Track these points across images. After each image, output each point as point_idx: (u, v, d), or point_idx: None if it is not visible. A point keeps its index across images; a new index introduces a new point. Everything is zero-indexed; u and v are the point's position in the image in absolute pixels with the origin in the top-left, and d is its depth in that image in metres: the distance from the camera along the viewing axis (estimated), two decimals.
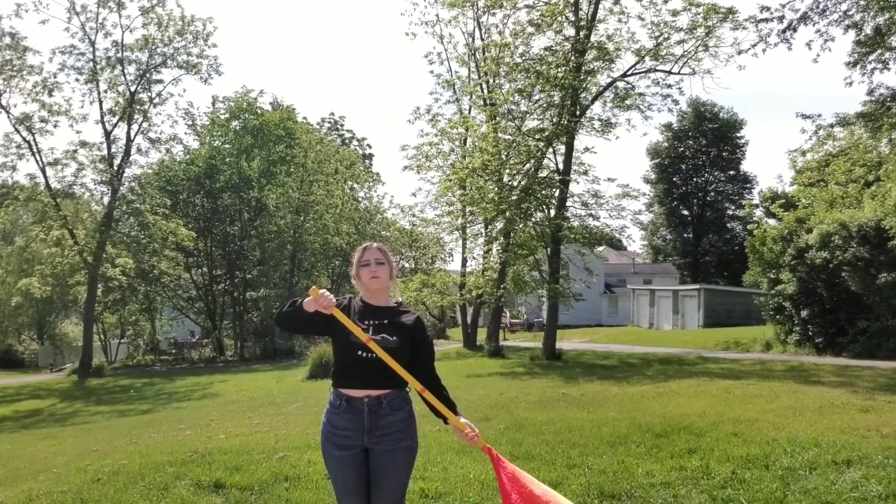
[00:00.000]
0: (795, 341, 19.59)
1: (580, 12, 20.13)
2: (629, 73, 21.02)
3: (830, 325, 18.65)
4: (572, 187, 21.10)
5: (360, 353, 3.04)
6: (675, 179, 52.48)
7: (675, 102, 21.79)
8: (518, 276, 22.14)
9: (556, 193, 21.02)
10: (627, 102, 21.10)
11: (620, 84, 21.23)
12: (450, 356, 23.88)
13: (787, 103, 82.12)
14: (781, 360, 16.97)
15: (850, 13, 15.50)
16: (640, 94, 21.19)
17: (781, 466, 5.44)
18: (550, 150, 21.11)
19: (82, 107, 32.12)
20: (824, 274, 18.50)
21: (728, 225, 53.01)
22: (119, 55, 27.39)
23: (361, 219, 37.65)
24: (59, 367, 32.37)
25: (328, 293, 3.02)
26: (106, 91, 27.53)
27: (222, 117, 35.28)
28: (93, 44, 27.07)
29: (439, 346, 29.14)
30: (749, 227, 22.39)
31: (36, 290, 28.01)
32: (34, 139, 26.37)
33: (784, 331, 20.40)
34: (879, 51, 15.61)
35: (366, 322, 3.12)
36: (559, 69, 20.01)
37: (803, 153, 22.28)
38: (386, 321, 3.12)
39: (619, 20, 20.37)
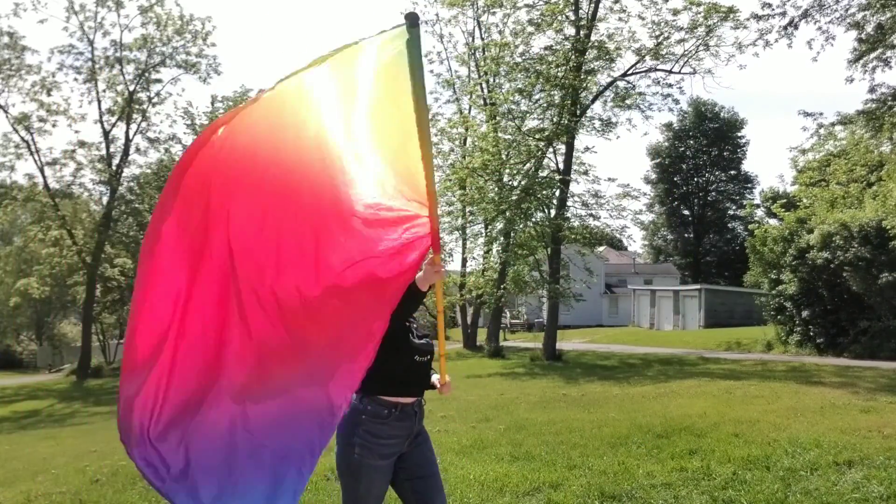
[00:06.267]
0: (796, 342, 19.56)
1: (580, 11, 20.11)
2: (629, 72, 21.02)
3: (831, 325, 18.62)
4: (572, 187, 21.11)
5: (416, 357, 2.93)
6: (675, 179, 52.34)
7: (676, 102, 21.88)
8: (518, 276, 22.10)
9: (557, 193, 20.99)
10: (628, 102, 21.10)
11: (621, 83, 21.24)
12: (450, 357, 23.83)
13: (788, 103, 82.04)
14: (782, 361, 16.93)
15: (851, 12, 15.45)
16: (641, 94, 21.24)
17: (783, 467, 5.42)
18: (551, 149, 21.08)
19: (81, 106, 32.05)
20: (825, 274, 18.46)
21: (729, 225, 52.90)
22: (118, 54, 27.37)
23: None
24: (57, 368, 32.34)
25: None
26: (104, 90, 27.51)
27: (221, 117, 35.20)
28: (91, 43, 27.07)
29: None
30: (750, 227, 22.34)
31: (34, 290, 28.00)
32: (33, 139, 26.40)
33: (785, 331, 20.35)
34: (880, 49, 15.55)
35: (407, 324, 2.98)
36: (559, 69, 19.99)
37: (803, 152, 22.25)
38: (415, 324, 3.05)
39: (620, 19, 20.45)
